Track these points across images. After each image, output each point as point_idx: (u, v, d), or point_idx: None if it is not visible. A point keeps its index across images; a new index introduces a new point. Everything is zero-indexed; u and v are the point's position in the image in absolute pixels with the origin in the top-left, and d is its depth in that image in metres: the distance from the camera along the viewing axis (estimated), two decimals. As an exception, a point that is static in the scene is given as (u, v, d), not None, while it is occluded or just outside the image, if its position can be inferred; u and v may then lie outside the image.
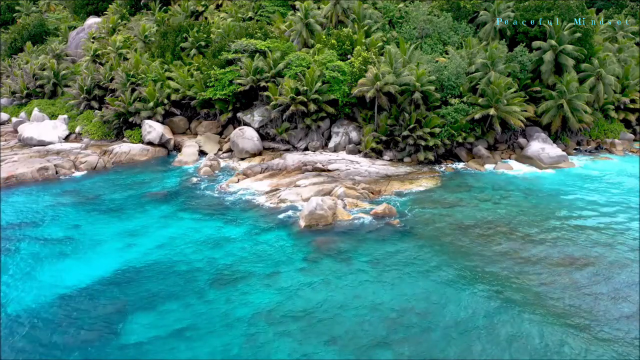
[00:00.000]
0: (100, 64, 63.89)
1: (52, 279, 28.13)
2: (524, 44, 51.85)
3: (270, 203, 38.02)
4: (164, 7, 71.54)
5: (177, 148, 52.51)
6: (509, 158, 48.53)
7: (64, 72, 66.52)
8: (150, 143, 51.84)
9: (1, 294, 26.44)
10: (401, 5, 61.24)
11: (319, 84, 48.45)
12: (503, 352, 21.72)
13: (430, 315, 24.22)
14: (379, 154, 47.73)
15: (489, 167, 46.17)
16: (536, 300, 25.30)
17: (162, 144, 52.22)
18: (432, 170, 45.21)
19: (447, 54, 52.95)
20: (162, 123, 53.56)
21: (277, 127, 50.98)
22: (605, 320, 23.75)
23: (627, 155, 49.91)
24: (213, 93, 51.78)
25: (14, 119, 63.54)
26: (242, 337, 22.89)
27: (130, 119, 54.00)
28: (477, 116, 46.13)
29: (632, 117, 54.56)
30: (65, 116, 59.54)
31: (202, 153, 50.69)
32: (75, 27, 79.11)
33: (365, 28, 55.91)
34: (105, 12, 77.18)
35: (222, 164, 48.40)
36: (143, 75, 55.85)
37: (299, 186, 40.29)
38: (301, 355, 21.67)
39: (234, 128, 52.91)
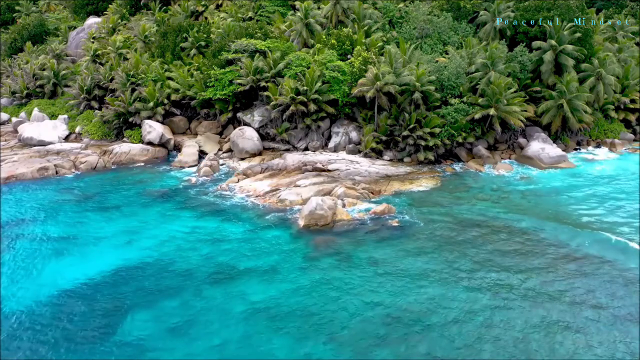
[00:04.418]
0: (100, 64, 63.86)
1: (51, 276, 28.21)
2: (524, 44, 51.79)
3: (270, 203, 38.03)
4: (164, 7, 71.50)
5: (177, 148, 52.47)
6: (509, 158, 48.45)
7: (64, 72, 66.51)
8: (150, 143, 51.80)
9: (0, 293, 26.45)
10: (401, 5, 61.20)
11: (319, 84, 48.43)
12: (501, 351, 21.72)
13: (429, 314, 24.23)
14: (379, 154, 47.70)
15: (489, 167, 46.12)
16: (536, 299, 25.28)
17: (162, 144, 52.20)
18: (432, 170, 45.19)
19: (447, 54, 52.92)
20: (162, 123, 53.51)
21: (277, 127, 50.96)
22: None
23: (626, 155, 49.78)
24: (213, 93, 51.76)
25: (14, 119, 63.50)
26: (240, 335, 22.91)
27: (130, 119, 53.96)
28: (477, 116, 46.10)
29: (632, 117, 54.47)
30: (65, 116, 59.53)
31: (202, 153, 50.57)
32: (75, 27, 79.09)
33: (365, 28, 55.89)
34: (105, 12, 77.14)
35: (222, 164, 48.38)
36: (143, 75, 55.83)
37: (299, 186, 40.28)
38: (300, 354, 21.68)
39: (234, 128, 52.88)
